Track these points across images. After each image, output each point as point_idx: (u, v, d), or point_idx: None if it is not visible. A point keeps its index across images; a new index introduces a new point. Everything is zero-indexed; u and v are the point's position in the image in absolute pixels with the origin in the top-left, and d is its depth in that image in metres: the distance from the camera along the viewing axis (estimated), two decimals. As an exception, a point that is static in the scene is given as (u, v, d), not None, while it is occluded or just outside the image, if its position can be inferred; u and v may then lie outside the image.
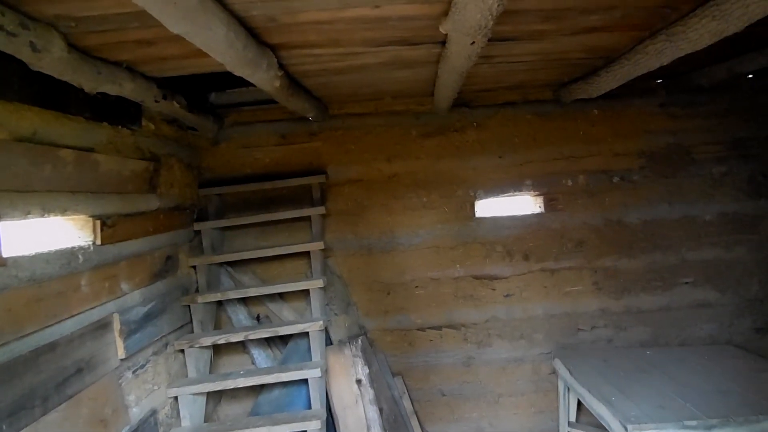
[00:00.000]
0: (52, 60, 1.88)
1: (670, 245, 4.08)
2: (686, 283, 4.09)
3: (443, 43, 2.41)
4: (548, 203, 4.09)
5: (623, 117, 4.07)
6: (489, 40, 2.13)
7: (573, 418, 3.85)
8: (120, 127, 2.80)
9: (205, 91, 3.49)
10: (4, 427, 1.81)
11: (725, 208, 4.08)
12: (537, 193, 4.10)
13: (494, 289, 4.10)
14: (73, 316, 2.30)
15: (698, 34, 2.16)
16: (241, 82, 2.57)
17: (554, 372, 3.97)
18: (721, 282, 4.08)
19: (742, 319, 4.08)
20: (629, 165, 4.08)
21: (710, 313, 4.09)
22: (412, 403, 4.04)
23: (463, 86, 3.14)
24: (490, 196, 4.09)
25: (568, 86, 3.72)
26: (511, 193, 4.10)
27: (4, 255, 1.85)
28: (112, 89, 2.34)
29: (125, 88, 2.42)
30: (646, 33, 2.51)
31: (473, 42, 2.08)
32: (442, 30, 2.04)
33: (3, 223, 1.85)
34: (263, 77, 2.41)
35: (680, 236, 4.08)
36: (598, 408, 3.12)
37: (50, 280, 2.15)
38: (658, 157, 4.08)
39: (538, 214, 4.10)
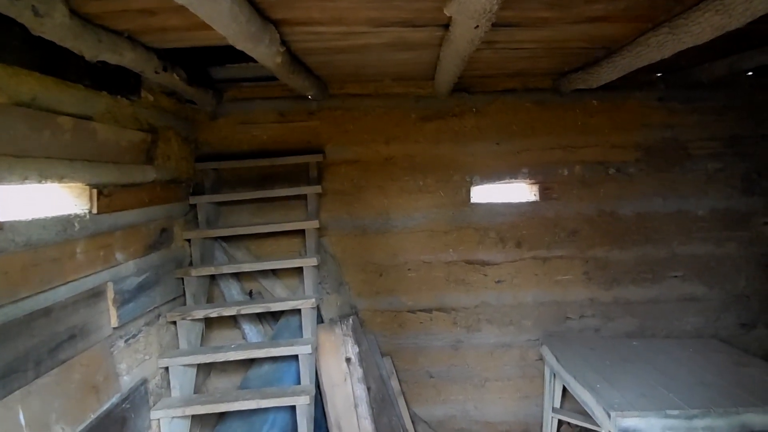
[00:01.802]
0: (53, 25, 1.87)
1: (661, 239, 4.12)
2: (675, 276, 4.14)
3: (447, 26, 2.41)
4: (543, 192, 4.11)
5: (622, 109, 4.08)
6: (493, 25, 2.14)
7: (558, 404, 3.93)
8: (119, 97, 2.79)
9: (205, 64, 3.47)
10: (-3, 388, 1.83)
11: (718, 204, 4.11)
12: (532, 181, 4.12)
13: (486, 275, 4.13)
14: (67, 282, 2.31)
15: (701, 28, 2.17)
16: (242, 58, 2.56)
17: (541, 358, 4.03)
18: (709, 277, 4.13)
19: (728, 314, 4.14)
20: (625, 157, 4.10)
21: (697, 307, 4.14)
22: (400, 384, 4.10)
23: (464, 71, 3.14)
24: (485, 183, 4.11)
25: (569, 76, 3.72)
26: (506, 180, 4.12)
27: (1, 219, 1.85)
28: (112, 58, 2.33)
29: (126, 57, 2.41)
30: (648, 24, 2.51)
31: (477, 26, 2.08)
32: (446, 12, 2.04)
33: (0, 187, 1.85)
34: (265, 52, 2.40)
35: (672, 230, 4.11)
36: (582, 394, 3.18)
37: (46, 246, 2.16)
38: (655, 151, 4.10)
39: (532, 202, 4.13)
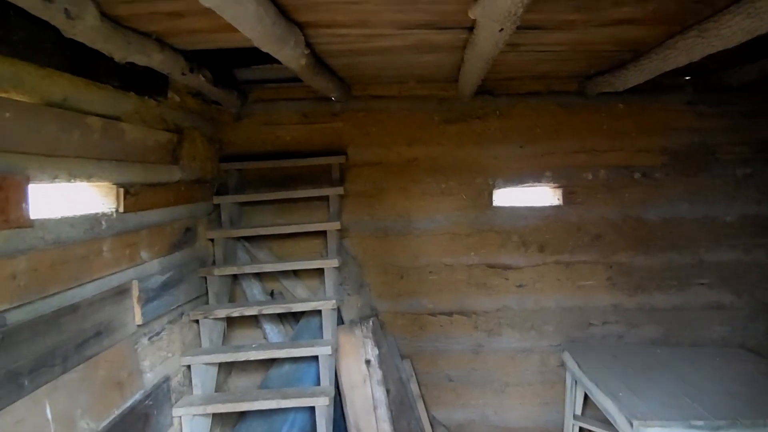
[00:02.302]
0: (84, 28, 1.90)
1: (687, 245, 4.04)
2: (702, 284, 4.06)
3: (471, 28, 2.40)
4: (567, 196, 4.07)
5: (648, 113, 4.02)
6: (517, 28, 2.12)
7: (579, 412, 3.87)
8: (147, 97, 2.84)
9: (230, 66, 3.51)
10: (26, 382, 1.87)
11: (747, 210, 4.02)
12: (556, 185, 4.08)
13: (507, 279, 4.10)
14: (94, 280, 2.35)
15: (731, 32, 2.13)
16: (266, 59, 2.58)
17: (562, 364, 3.98)
18: (737, 284, 4.04)
19: (757, 323, 4.05)
20: (652, 162, 4.04)
21: (724, 315, 4.06)
22: (420, 387, 4.08)
23: (487, 74, 3.13)
24: (508, 186, 4.08)
25: (594, 78, 3.68)
26: (530, 184, 4.08)
27: (32, 217, 1.90)
28: (140, 59, 2.38)
29: (154, 59, 2.45)
30: (677, 28, 2.48)
31: (502, 29, 2.07)
32: (471, 15, 2.04)
33: (31, 185, 1.89)
34: (290, 54, 2.42)
35: (699, 236, 4.04)
36: (604, 402, 3.13)
37: (74, 243, 2.20)
38: (682, 156, 4.03)
39: (556, 206, 4.09)
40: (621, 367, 3.50)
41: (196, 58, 2.87)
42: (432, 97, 4.05)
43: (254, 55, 2.62)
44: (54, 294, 2.07)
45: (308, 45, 2.57)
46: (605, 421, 3.33)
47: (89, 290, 2.32)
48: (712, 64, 3.17)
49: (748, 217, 4.03)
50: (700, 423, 2.74)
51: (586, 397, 3.75)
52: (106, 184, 2.48)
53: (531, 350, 4.13)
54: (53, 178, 2.06)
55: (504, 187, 4.08)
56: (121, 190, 2.54)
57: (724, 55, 2.48)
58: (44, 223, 2.02)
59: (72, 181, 2.18)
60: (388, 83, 4.00)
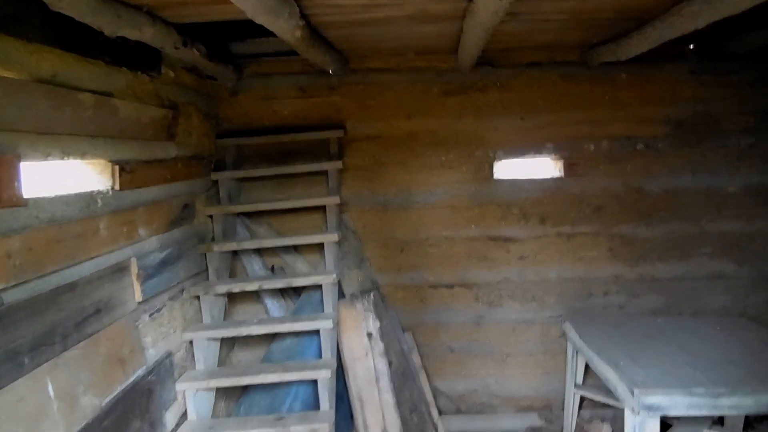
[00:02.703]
0: (72, 1, 1.85)
1: (690, 215, 4.02)
2: (704, 253, 4.05)
3: (470, -4, 2.34)
4: (568, 167, 4.03)
5: (652, 82, 3.95)
6: (517, -5, 2.07)
7: (580, 381, 3.90)
8: (139, 73, 2.79)
9: (225, 39, 3.45)
10: (26, 360, 1.88)
11: (750, 180, 3.99)
12: (557, 156, 4.04)
13: (508, 251, 4.10)
14: (92, 258, 2.34)
15: (738, -4, 2.07)
16: (262, 32, 2.53)
17: (563, 335, 4.00)
18: (739, 254, 4.03)
19: (758, 292, 4.05)
20: (654, 132, 3.99)
21: (726, 284, 4.05)
22: (421, 359, 4.11)
23: (488, 44, 3.06)
24: (509, 158, 4.05)
25: (597, 48, 3.61)
26: (531, 156, 4.04)
27: (25, 196, 1.88)
28: (132, 34, 2.32)
29: (145, 33, 2.39)
30: (682, -7, 2.41)
31: (501, -4, 2.02)
32: (469, -18, 1.98)
33: (23, 164, 1.87)
34: (284, 26, 2.37)
35: (701, 207, 4.01)
36: (605, 371, 3.15)
37: (70, 222, 2.19)
38: (685, 126, 3.98)
39: (557, 178, 4.05)
40: (622, 337, 3.52)
41: (190, 32, 2.81)
42: (431, 69, 3.99)
43: (249, 28, 2.57)
44: (51, 273, 2.06)
45: (303, 16, 2.51)
46: (606, 390, 3.36)
47: (87, 268, 2.31)
48: (717, 30, 3.09)
49: (752, 187, 3.99)
50: (701, 390, 2.75)
51: (587, 366, 3.77)
52: (100, 161, 2.45)
53: (532, 321, 4.14)
54: (46, 155, 2.04)
55: (505, 159, 4.05)
56: (116, 168, 2.52)
57: (730, 21, 2.41)
58: (38, 202, 2.00)
59: (65, 158, 2.16)
60: (386, 55, 3.93)
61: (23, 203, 1.87)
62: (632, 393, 2.80)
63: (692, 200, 4.01)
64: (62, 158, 2.13)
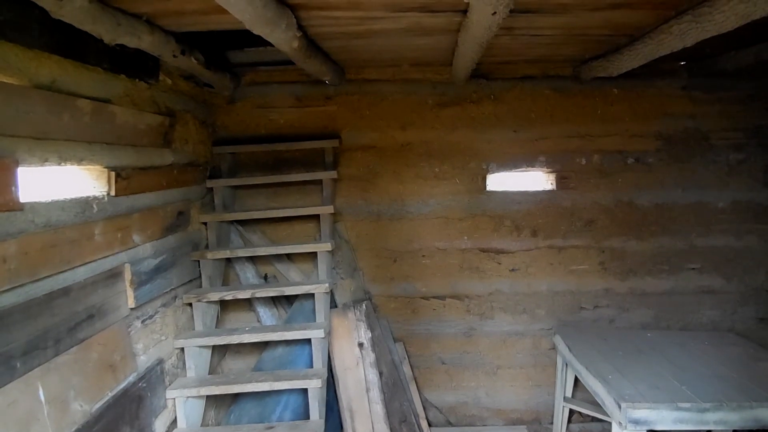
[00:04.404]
0: (72, 8, 1.88)
1: (679, 230, 4.06)
2: (693, 268, 4.09)
3: (464, 11, 2.38)
4: (560, 181, 4.08)
5: (643, 98, 4.01)
6: (511, 11, 2.11)
7: (569, 394, 3.92)
8: (137, 80, 2.81)
9: (223, 48, 3.47)
10: (18, 364, 1.88)
11: (739, 196, 4.04)
12: (550, 169, 4.08)
13: (500, 263, 4.12)
14: (86, 263, 2.35)
15: (725, 16, 2.12)
16: (260, 42, 2.56)
17: (554, 348, 4.02)
18: (728, 269, 4.08)
19: (747, 307, 4.09)
20: (645, 147, 4.04)
21: (714, 299, 4.09)
22: (412, 369, 4.12)
23: (482, 57, 3.11)
24: (502, 170, 4.09)
25: (589, 63, 3.66)
26: (523, 169, 4.09)
27: (22, 200, 1.89)
28: (130, 41, 2.34)
29: (144, 41, 2.42)
30: (671, 12, 2.46)
31: (495, 12, 2.06)
32: (463, -2, 2.02)
33: (21, 169, 1.88)
34: (281, 37, 2.40)
35: (691, 222, 4.06)
36: (594, 385, 3.17)
37: (65, 227, 2.20)
38: (675, 141, 4.03)
39: (549, 191, 4.09)
40: (611, 351, 3.54)
41: (188, 40, 2.84)
42: (426, 80, 4.03)
43: (247, 38, 2.60)
44: (45, 277, 2.07)
45: (300, 27, 2.54)
46: (595, 403, 3.38)
47: (81, 274, 2.32)
48: (707, 48, 3.15)
49: (741, 203, 4.04)
50: (687, 405, 2.78)
51: (576, 379, 3.79)
52: (97, 167, 2.46)
53: (523, 333, 4.16)
54: (43, 161, 2.05)
55: (498, 171, 4.09)
56: (113, 174, 2.53)
57: (719, 40, 2.47)
58: (34, 207, 2.01)
59: (62, 164, 2.17)
60: (382, 67, 3.98)
61: (20, 208, 1.88)
62: (619, 407, 2.81)
63: (682, 215, 4.06)
64: (59, 164, 2.14)
